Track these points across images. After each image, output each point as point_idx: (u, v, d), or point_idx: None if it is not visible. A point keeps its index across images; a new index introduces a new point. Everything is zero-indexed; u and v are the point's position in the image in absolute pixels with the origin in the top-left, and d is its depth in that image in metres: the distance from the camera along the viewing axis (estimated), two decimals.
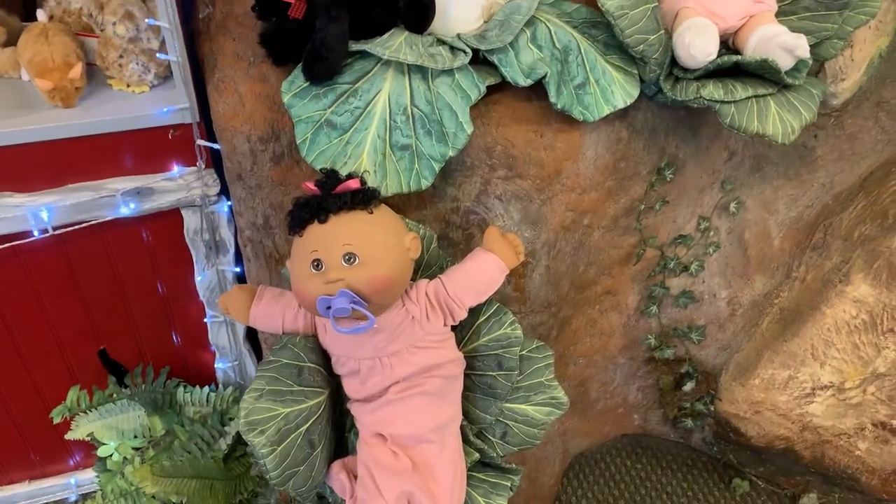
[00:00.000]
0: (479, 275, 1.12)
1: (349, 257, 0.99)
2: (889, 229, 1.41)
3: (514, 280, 1.36)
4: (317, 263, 1.00)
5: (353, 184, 1.02)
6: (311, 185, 1.03)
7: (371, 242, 1.00)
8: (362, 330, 1.02)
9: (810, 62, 1.25)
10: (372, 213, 1.02)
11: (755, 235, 1.53)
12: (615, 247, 1.43)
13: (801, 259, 1.52)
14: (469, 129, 1.11)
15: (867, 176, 1.51)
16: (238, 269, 1.39)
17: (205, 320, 1.46)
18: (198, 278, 1.38)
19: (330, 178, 1.03)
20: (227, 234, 1.33)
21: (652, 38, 1.21)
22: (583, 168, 1.30)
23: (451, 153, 1.11)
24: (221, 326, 1.48)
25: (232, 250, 1.37)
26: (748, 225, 1.53)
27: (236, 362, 1.56)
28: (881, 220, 1.43)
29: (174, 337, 1.52)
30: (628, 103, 1.24)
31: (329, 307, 0.98)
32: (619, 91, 1.24)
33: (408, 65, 1.10)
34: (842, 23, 1.27)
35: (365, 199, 1.02)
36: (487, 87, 1.18)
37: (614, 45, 1.24)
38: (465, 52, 1.13)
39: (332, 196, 1.01)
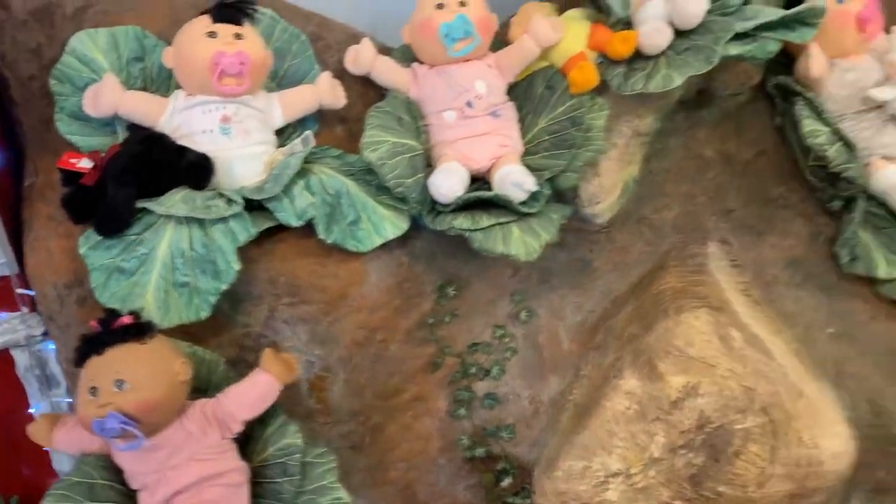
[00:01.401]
0: (251, 392, 1.29)
1: (119, 383, 1.16)
2: (648, 328, 1.61)
3: (315, 394, 1.53)
4: (93, 390, 1.17)
5: (126, 320, 1.21)
6: (94, 324, 1.22)
7: (139, 369, 1.18)
8: (135, 447, 1.18)
9: (546, 192, 1.49)
10: (144, 343, 1.21)
11: (547, 339, 1.72)
12: (414, 357, 1.61)
13: (587, 359, 1.71)
14: (236, 266, 1.31)
15: (637, 283, 1.73)
16: (71, 400, 1.55)
17: (45, 448, 1.60)
18: (32, 411, 1.53)
19: (109, 316, 1.22)
20: (56, 368, 1.50)
21: (409, 181, 1.44)
22: (367, 291, 1.50)
23: (223, 287, 1.31)
24: (63, 454, 1.61)
25: (64, 383, 1.53)
26: (541, 330, 1.72)
27: None
28: (643, 320, 1.64)
29: (22, 467, 1.64)
30: (398, 234, 1.47)
31: (103, 428, 1.15)
32: (390, 225, 1.47)
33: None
34: (572, 159, 1.51)
35: (137, 332, 1.20)
36: (276, 227, 1.41)
37: (385, 187, 1.48)
38: (237, 202, 1.35)
39: (109, 332, 1.19)
